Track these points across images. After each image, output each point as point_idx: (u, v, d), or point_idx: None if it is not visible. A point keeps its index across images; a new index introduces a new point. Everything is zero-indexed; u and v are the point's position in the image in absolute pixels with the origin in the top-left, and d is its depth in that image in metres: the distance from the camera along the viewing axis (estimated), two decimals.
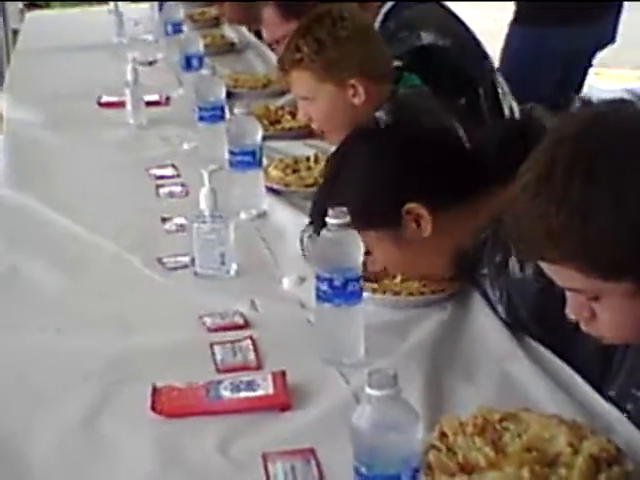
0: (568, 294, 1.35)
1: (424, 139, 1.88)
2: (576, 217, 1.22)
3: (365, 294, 1.72)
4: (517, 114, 2.67)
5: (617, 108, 1.31)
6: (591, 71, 3.79)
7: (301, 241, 2.09)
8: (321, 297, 1.67)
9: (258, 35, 3.88)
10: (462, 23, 2.74)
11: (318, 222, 1.81)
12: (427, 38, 2.56)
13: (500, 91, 2.66)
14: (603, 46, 3.85)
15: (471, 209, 1.80)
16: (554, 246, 1.26)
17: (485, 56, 2.69)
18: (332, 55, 2.34)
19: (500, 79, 2.70)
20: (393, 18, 2.70)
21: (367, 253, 1.77)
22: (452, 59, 2.56)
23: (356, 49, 2.34)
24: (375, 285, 1.87)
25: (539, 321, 1.67)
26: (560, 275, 1.31)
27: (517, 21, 3.76)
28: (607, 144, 1.24)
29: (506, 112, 2.65)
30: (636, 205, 1.21)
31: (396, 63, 2.49)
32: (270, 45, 3.14)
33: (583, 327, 1.37)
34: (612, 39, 3.84)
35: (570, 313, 1.36)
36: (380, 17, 2.73)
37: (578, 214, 1.22)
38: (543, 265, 1.33)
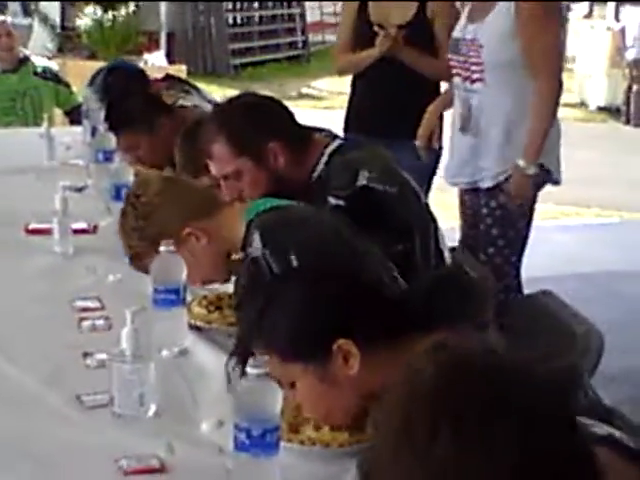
0: None
1: (352, 276, 1.94)
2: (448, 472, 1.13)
3: (282, 443, 1.73)
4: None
5: (474, 353, 1.24)
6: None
7: (227, 374, 2.10)
8: (239, 446, 1.68)
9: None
10: (403, 170, 2.79)
11: (243, 355, 1.87)
12: (372, 180, 2.59)
13: (440, 240, 2.71)
14: None
15: (394, 353, 1.80)
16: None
17: (424, 205, 2.74)
18: (152, 231, 2.44)
19: (439, 227, 2.75)
20: (339, 156, 2.74)
21: (292, 385, 1.82)
22: (394, 205, 2.59)
23: (165, 211, 2.45)
24: (292, 435, 1.88)
25: None
26: None
27: None
28: (469, 397, 1.15)
29: (446, 258, 2.70)
30: (507, 454, 1.12)
31: (338, 202, 2.54)
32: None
33: None
34: None
35: None
36: (325, 156, 2.76)
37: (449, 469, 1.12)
38: None
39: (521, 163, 3.55)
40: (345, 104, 4.52)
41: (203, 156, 2.79)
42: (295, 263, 2.15)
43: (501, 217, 3.68)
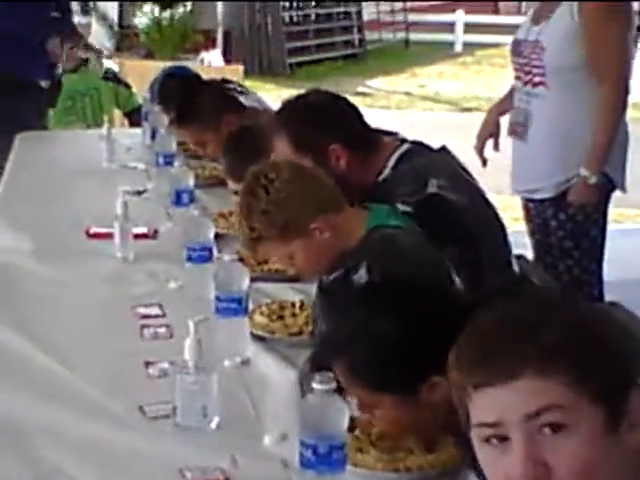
0: (521, 455, 1.22)
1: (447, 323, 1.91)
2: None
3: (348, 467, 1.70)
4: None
5: None
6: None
7: (300, 381, 2.11)
8: (304, 463, 1.66)
9: None
10: (473, 178, 2.74)
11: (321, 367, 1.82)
12: (442, 188, 2.56)
13: (508, 248, 2.67)
14: None
15: None
16: (545, 358, 1.19)
17: (493, 213, 2.70)
18: (282, 219, 2.35)
19: (507, 235, 2.70)
20: (407, 162, 2.70)
21: (372, 408, 1.81)
22: (462, 214, 2.56)
23: (298, 200, 2.37)
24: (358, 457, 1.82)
25: None
26: (536, 393, 1.21)
27: None
28: None
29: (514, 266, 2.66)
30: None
31: (406, 208, 2.51)
32: None
33: None
34: None
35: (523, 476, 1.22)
36: (393, 160, 2.73)
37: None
38: (509, 388, 1.22)
39: (583, 172, 3.45)
40: (401, 104, 4.45)
41: (247, 162, 2.74)
42: (394, 294, 2.11)
43: (572, 229, 3.58)
